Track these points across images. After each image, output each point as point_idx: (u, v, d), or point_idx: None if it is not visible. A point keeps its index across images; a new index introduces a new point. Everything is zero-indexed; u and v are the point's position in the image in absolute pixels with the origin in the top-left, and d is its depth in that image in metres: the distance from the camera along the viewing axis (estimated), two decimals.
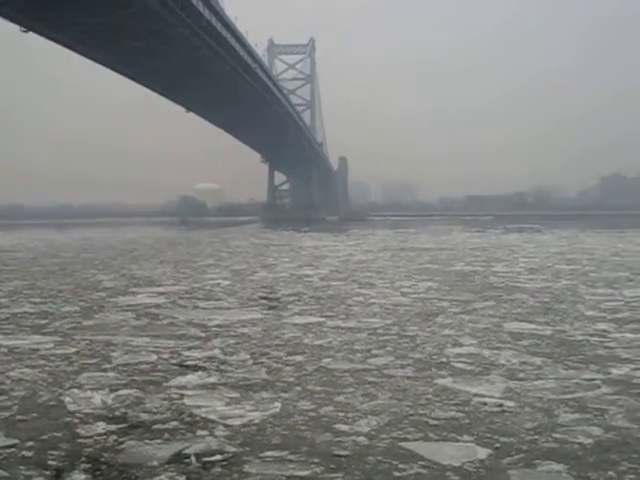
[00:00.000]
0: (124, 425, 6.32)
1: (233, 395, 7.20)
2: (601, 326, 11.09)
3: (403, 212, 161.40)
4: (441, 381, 7.78)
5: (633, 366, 8.47)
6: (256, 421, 6.39)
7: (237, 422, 6.36)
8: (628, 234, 53.47)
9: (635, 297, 14.48)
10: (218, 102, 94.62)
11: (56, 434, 6.10)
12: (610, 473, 5.19)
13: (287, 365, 8.53)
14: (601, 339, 10.12)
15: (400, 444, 5.80)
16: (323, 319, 11.81)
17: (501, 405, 6.88)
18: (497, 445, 5.75)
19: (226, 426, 6.25)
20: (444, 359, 8.86)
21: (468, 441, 5.87)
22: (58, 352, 9.34)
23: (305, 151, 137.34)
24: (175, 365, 8.63)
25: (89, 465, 5.39)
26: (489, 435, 6.01)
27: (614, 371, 8.22)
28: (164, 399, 7.11)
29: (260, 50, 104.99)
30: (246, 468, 5.32)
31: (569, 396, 7.18)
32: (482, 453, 5.58)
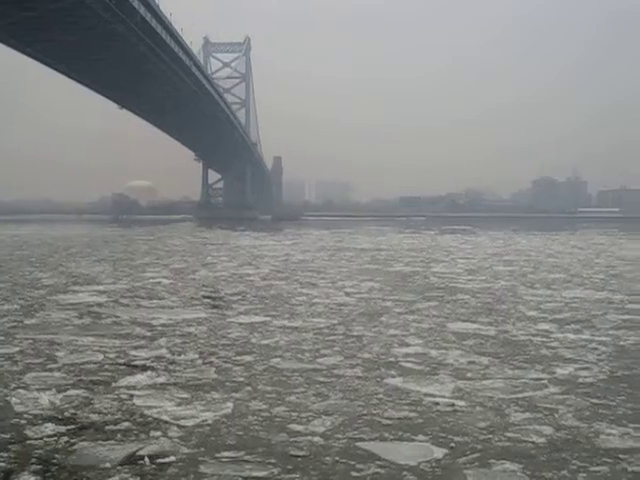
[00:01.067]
0: (74, 426, 6.20)
1: (184, 395, 7.12)
2: (543, 326, 11.26)
3: (337, 212, 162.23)
4: (391, 381, 7.80)
5: (577, 366, 8.61)
6: (209, 421, 6.33)
7: (190, 423, 6.28)
8: (560, 236, 54.57)
9: (574, 298, 14.74)
10: (152, 100, 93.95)
11: (3, 435, 5.96)
12: (563, 472, 5.26)
13: (236, 365, 8.47)
14: (544, 339, 10.27)
15: (356, 444, 5.79)
16: (268, 318, 11.76)
17: (453, 405, 6.92)
18: (452, 445, 5.79)
19: (179, 427, 6.17)
20: (392, 359, 8.89)
21: (423, 441, 5.90)
22: (1, 352, 9.11)
23: (239, 150, 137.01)
24: (122, 365, 8.50)
25: (39, 467, 5.27)
26: (443, 435, 6.04)
27: (559, 371, 8.34)
28: (114, 399, 6.99)
29: (195, 48, 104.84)
30: (202, 469, 5.27)
31: (518, 395, 7.27)
32: (438, 452, 5.61)
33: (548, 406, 6.91)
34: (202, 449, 5.66)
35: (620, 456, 5.61)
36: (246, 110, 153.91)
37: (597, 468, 5.37)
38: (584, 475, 5.24)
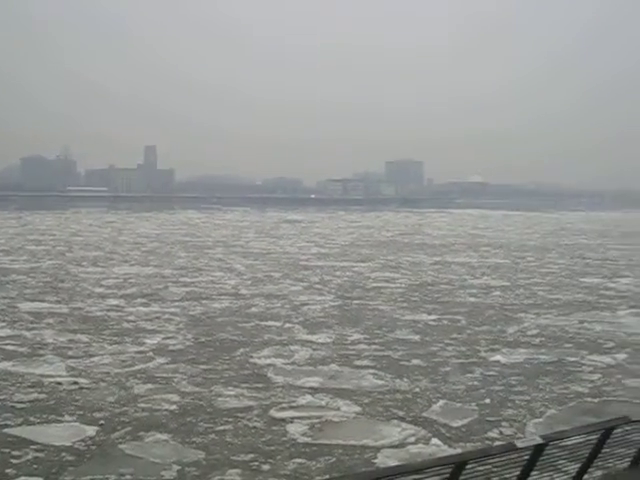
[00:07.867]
0: None
1: None
2: (113, 302, 11.64)
3: None
4: None
5: (163, 336, 9.22)
6: None
7: None
8: (66, 215, 54.08)
9: (127, 274, 15.37)
10: None
11: None
12: (211, 436, 5.74)
13: None
14: (120, 313, 10.69)
15: (3, 431, 5.69)
16: None
17: (76, 383, 7.02)
18: (101, 422, 5.94)
19: None
20: None
21: (70, 420, 5.98)
22: None
23: None
24: None
25: None
26: (82, 412, 6.17)
27: (149, 341, 8.86)
28: None
29: None
30: None
31: (133, 368, 7.61)
32: (90, 430, 5.74)
33: (164, 375, 7.37)
34: None
35: (239, 414, 6.28)
36: None
37: (222, 427, 5.96)
38: (227, 436, 5.77)
